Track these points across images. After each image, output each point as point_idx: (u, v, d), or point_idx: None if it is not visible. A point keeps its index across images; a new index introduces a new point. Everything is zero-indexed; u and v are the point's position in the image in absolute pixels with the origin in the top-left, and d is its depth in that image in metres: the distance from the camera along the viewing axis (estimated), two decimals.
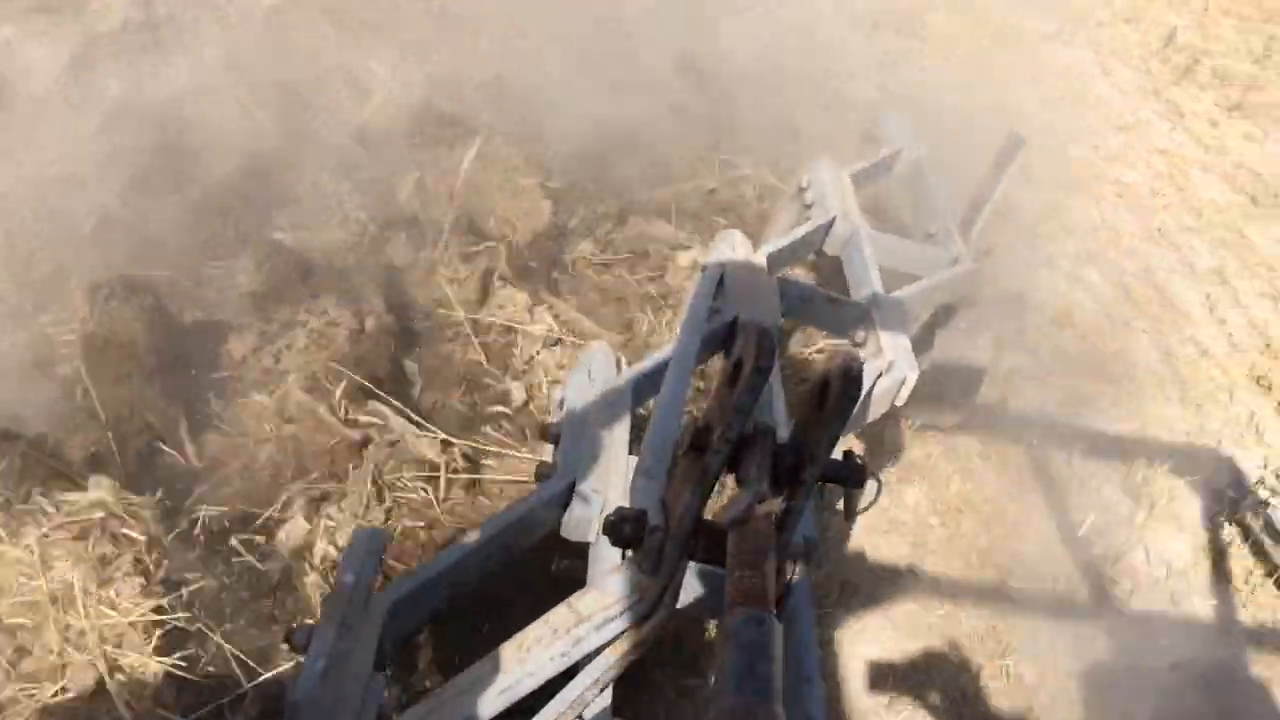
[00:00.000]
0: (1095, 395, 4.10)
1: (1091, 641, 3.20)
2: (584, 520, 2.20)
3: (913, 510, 3.49)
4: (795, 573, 1.65)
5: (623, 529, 1.76)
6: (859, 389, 1.49)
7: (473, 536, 2.12)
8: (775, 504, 1.56)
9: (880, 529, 3.39)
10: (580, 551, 2.26)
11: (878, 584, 3.21)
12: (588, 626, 1.82)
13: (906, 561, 3.31)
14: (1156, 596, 3.39)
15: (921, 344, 3.42)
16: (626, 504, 1.94)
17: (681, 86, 5.04)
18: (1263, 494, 3.74)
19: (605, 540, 1.96)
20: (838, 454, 1.69)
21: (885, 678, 2.95)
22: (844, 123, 5.09)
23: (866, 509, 1.77)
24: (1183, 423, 4.07)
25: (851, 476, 1.71)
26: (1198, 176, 5.90)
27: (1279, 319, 4.77)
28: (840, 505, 1.79)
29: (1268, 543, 3.56)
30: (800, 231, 3.36)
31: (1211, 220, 5.47)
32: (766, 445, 1.62)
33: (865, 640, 3.05)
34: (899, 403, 2.99)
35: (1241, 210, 5.65)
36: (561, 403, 2.59)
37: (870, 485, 1.75)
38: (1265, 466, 3.91)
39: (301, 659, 1.81)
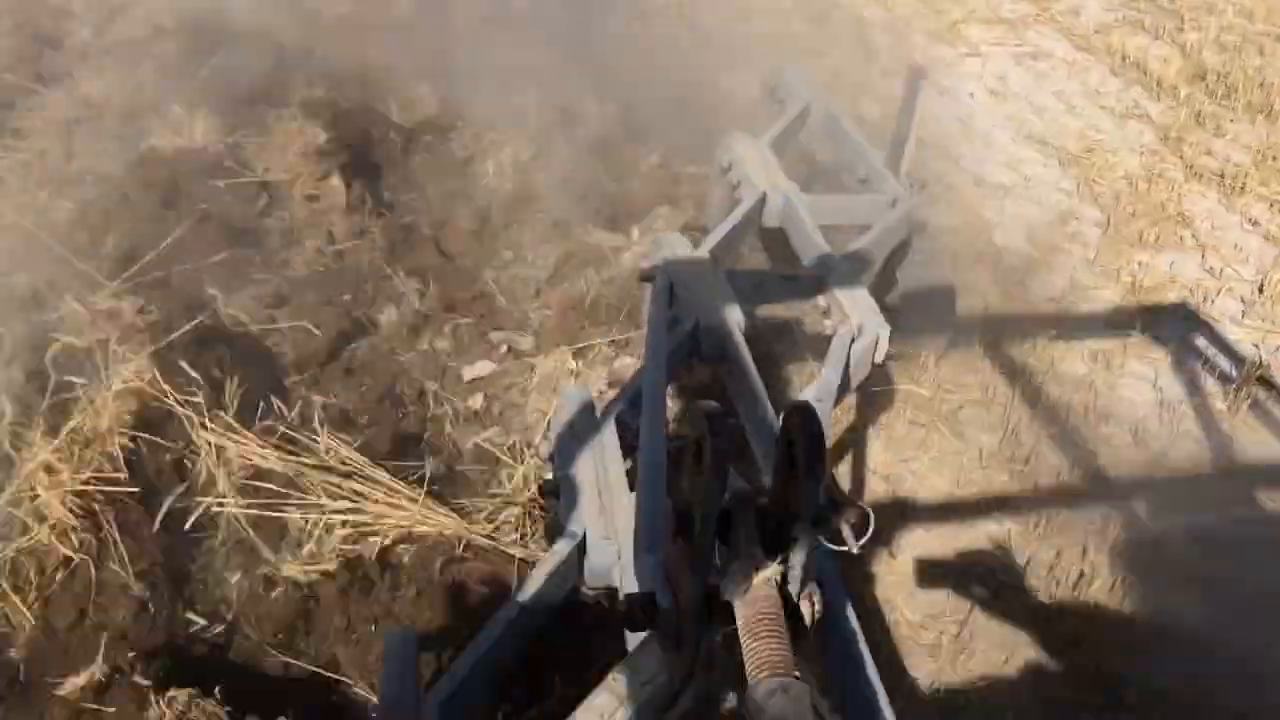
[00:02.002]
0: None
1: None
2: (603, 567, 2.23)
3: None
4: (817, 606, 1.61)
5: (635, 615, 1.76)
6: (822, 435, 1.51)
7: (499, 616, 2.16)
8: (773, 569, 1.57)
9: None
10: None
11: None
12: (629, 709, 1.86)
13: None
14: None
15: (886, 283, 3.53)
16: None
17: None
18: None
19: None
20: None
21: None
22: None
23: (863, 541, 1.80)
24: None
25: (841, 515, 1.72)
26: None
27: None
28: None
29: None
30: (734, 218, 3.38)
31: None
32: (749, 513, 1.62)
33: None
34: (879, 360, 2.99)
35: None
36: (552, 456, 2.62)
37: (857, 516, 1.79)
38: None
39: None
